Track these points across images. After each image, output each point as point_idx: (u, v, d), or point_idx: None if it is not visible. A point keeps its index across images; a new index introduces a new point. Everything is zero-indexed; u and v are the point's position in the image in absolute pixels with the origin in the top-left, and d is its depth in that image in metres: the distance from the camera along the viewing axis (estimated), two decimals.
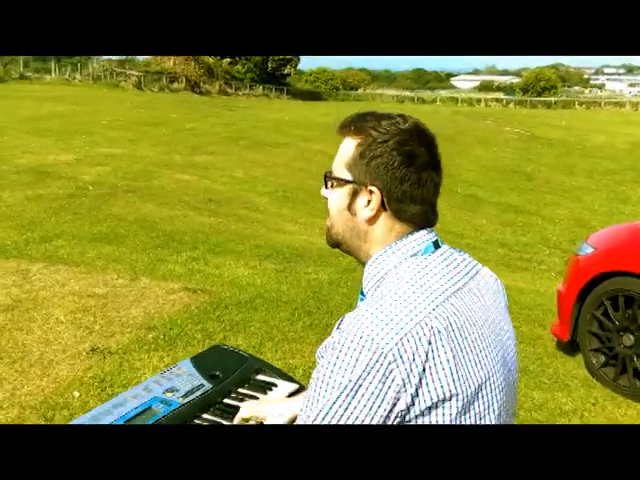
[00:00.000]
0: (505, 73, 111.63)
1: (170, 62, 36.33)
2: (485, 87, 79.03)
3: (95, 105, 19.56)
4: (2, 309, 3.70)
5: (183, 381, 1.64)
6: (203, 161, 10.70)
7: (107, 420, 1.44)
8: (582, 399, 3.03)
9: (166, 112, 19.51)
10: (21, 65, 28.75)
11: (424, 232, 1.09)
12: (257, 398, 1.60)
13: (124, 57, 35.35)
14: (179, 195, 7.92)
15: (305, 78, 54.07)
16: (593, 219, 11.92)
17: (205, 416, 1.54)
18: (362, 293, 1.16)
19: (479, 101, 50.22)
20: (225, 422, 1.52)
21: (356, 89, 55.48)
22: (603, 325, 3.21)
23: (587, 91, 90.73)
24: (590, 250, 3.40)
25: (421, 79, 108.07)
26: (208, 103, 27.86)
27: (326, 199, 1.16)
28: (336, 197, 1.14)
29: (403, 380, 0.93)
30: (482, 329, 1.04)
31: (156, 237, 5.64)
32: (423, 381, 0.94)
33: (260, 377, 1.74)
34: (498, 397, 1.05)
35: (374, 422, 0.93)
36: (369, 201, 1.08)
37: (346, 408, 0.93)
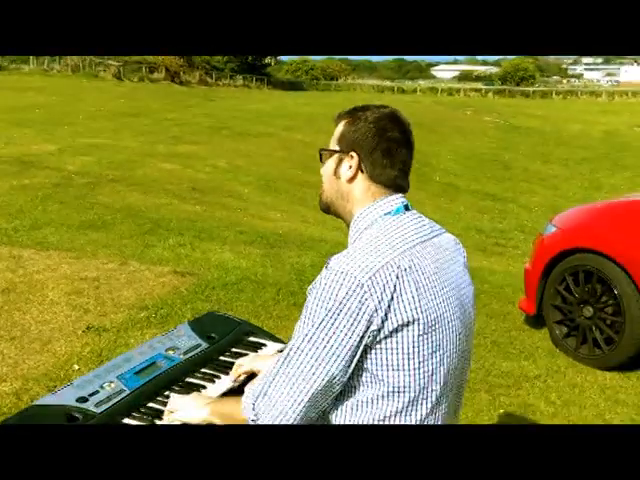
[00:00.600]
0: (484, 63, 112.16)
1: None
2: (465, 77, 79.41)
3: (75, 95, 19.46)
4: (0, 290, 3.86)
5: (183, 341, 1.85)
6: (186, 151, 10.81)
7: (119, 372, 1.64)
8: (546, 367, 3.29)
9: (147, 102, 19.51)
10: None
11: (396, 196, 1.33)
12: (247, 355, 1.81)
13: None
14: (163, 184, 8.05)
15: (286, 68, 54.01)
16: (568, 206, 12.27)
17: (204, 370, 1.75)
18: None
19: (458, 91, 50.60)
20: (222, 375, 1.73)
21: (336, 79, 55.50)
22: (565, 299, 3.47)
23: (565, 81, 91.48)
24: (553, 229, 3.66)
25: (402, 69, 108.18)
26: (188, 93, 27.83)
27: (322, 167, 1.40)
28: (326, 166, 1.40)
29: (375, 306, 1.17)
30: (441, 274, 1.27)
31: (143, 224, 5.79)
32: (391, 307, 1.17)
33: (251, 338, 1.95)
34: (455, 333, 1.28)
35: (352, 340, 1.16)
36: (350, 166, 1.34)
37: (329, 328, 1.17)
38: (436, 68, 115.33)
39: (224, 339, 1.90)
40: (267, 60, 46.59)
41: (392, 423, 1.27)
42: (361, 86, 52.49)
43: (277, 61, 50.49)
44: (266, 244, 5.50)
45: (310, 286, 1.24)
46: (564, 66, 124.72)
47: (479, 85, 55.21)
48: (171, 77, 34.41)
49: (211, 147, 11.51)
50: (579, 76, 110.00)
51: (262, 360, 1.69)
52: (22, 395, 2.76)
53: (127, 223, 5.78)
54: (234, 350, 1.86)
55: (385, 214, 1.31)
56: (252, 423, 1.29)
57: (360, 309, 1.17)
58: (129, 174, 8.43)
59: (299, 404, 1.23)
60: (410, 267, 1.22)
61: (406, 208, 1.33)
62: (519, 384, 3.08)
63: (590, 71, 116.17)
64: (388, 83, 59.11)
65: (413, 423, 1.27)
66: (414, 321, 1.20)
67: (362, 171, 1.33)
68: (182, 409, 1.47)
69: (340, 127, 1.39)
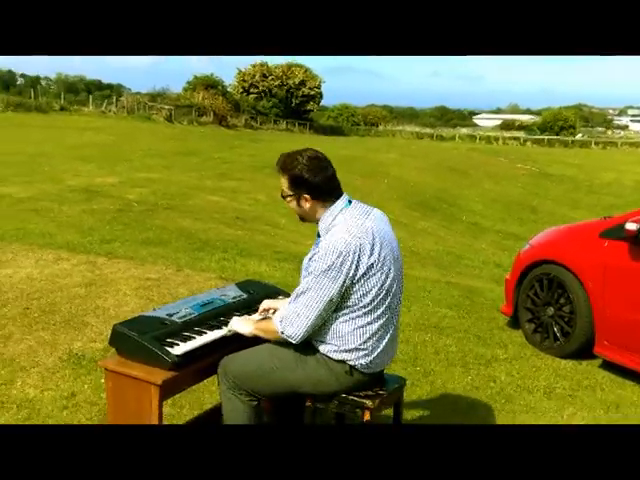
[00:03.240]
0: (527, 112, 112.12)
1: (199, 97, 38.24)
2: (507, 125, 79.63)
3: (130, 135, 21.12)
4: (83, 285, 4.86)
5: (231, 292, 2.77)
6: (231, 186, 11.94)
7: (190, 304, 2.56)
8: (515, 354, 4.07)
9: (196, 143, 21.01)
10: (62, 98, 30.76)
11: (341, 199, 2.25)
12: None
13: (156, 92, 37.35)
14: (210, 213, 9.11)
15: (328, 114, 55.90)
16: None
17: (240, 314, 2.63)
18: (318, 236, 2.30)
19: (497, 139, 51.34)
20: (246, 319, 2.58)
21: (377, 125, 57.07)
22: (534, 301, 4.25)
23: (610, 132, 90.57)
24: (527, 246, 4.50)
25: (443, 117, 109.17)
26: (234, 136, 29.45)
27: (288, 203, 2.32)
28: (292, 204, 2.31)
29: (351, 262, 2.10)
30: (381, 233, 2.19)
31: (193, 243, 6.81)
32: (359, 261, 2.10)
33: (278, 295, 2.85)
34: (393, 267, 2.19)
35: (340, 280, 2.11)
36: (306, 201, 2.24)
37: (328, 273, 2.11)
38: (478, 116, 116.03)
39: (259, 294, 2.80)
40: (310, 106, 48.53)
41: (360, 324, 2.17)
42: (401, 132, 53.87)
43: (319, 107, 52.43)
44: (298, 261, 6.39)
45: (305, 262, 2.21)
46: (609, 117, 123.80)
47: (517, 134, 55.85)
48: (219, 120, 36.32)
49: (253, 183, 12.62)
50: (624, 127, 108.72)
51: (279, 302, 2.59)
52: (108, 350, 3.70)
53: (180, 241, 6.81)
54: (265, 300, 2.77)
55: (341, 210, 2.23)
56: (280, 334, 2.19)
57: (343, 263, 2.11)
58: (181, 203, 9.54)
59: (309, 321, 2.15)
60: (366, 235, 2.15)
61: (349, 202, 2.26)
62: (489, 364, 3.87)
63: (636, 122, 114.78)
64: (428, 130, 60.13)
65: (372, 319, 2.17)
66: (372, 265, 2.13)
67: (316, 200, 2.25)
68: (237, 325, 2.38)
69: (284, 179, 2.26)
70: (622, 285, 3.69)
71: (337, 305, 2.17)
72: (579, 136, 56.50)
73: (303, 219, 2.35)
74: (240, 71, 47.91)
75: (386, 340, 2.26)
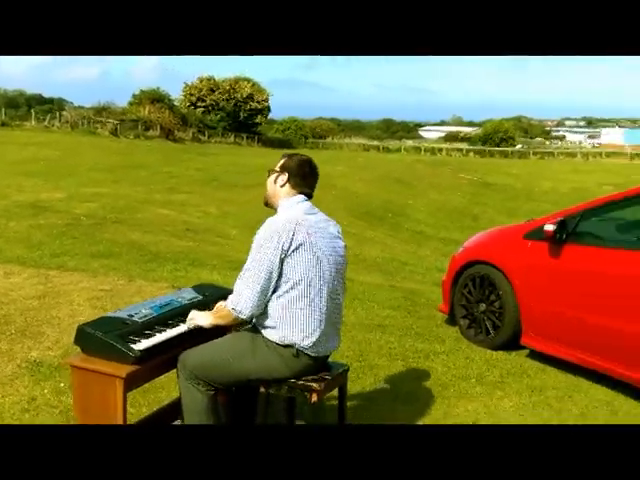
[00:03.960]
0: (470, 124, 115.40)
1: (145, 111, 37.92)
2: (451, 137, 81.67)
3: (75, 150, 20.80)
4: (36, 297, 4.94)
5: (187, 294, 2.98)
6: (180, 199, 12.04)
7: (150, 305, 2.76)
8: (451, 347, 4.41)
9: (143, 157, 20.89)
10: (3, 113, 29.98)
11: (302, 195, 2.54)
12: None
13: (101, 106, 36.82)
14: (160, 226, 9.21)
15: (276, 127, 56.27)
16: None
17: (197, 310, 2.86)
18: None
19: (441, 150, 52.85)
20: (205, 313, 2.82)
21: (325, 138, 57.82)
22: (468, 299, 4.62)
23: (548, 142, 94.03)
24: (461, 249, 4.88)
25: (390, 129, 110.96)
26: (182, 150, 29.36)
27: (268, 178, 2.60)
28: (271, 177, 2.60)
29: (285, 239, 2.38)
30: (319, 226, 2.48)
31: (144, 255, 6.93)
32: (293, 237, 2.38)
33: None
34: (329, 263, 2.47)
35: (276, 255, 2.36)
36: (282, 178, 2.54)
37: (266, 250, 2.38)
38: (423, 129, 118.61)
39: (213, 296, 3.02)
40: (258, 119, 48.77)
41: (297, 303, 2.43)
42: (348, 145, 54.74)
43: (267, 120, 52.73)
44: None
45: (257, 231, 2.45)
46: (547, 128, 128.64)
47: (461, 145, 57.62)
48: (166, 134, 36.10)
49: (203, 196, 12.75)
50: (562, 138, 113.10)
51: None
52: (64, 358, 3.83)
53: (131, 254, 6.92)
54: (220, 302, 2.99)
55: (297, 202, 2.52)
56: (233, 313, 2.44)
57: (280, 237, 2.41)
58: (130, 217, 9.60)
59: (255, 293, 2.40)
60: (303, 223, 2.44)
61: (306, 200, 2.55)
62: (428, 357, 4.19)
63: (573, 133, 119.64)
64: (375, 142, 61.24)
65: (308, 301, 2.44)
66: (303, 243, 2.42)
67: (288, 182, 2.54)
68: (197, 318, 2.61)
69: (282, 159, 2.63)
70: (544, 281, 4.09)
71: (276, 283, 2.43)
72: (518, 147, 58.71)
73: (266, 202, 2.66)
74: (187, 85, 47.75)
75: (327, 326, 2.52)
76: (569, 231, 3.91)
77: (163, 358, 2.56)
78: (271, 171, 2.64)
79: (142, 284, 5.60)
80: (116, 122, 32.89)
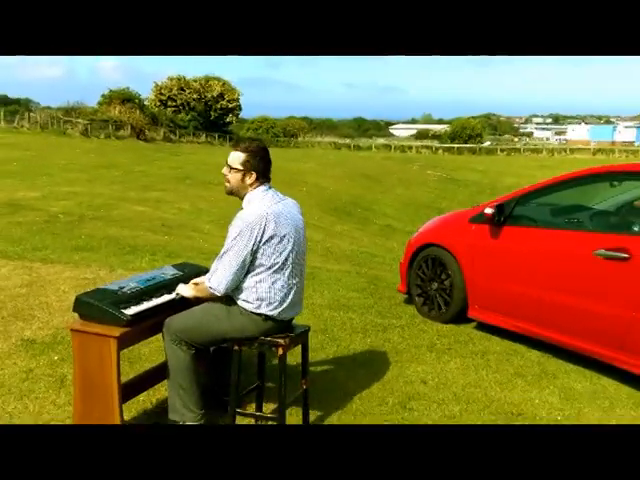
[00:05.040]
0: (440, 122, 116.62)
1: (116, 111, 37.83)
2: (421, 135, 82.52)
3: (47, 150, 20.88)
4: (23, 285, 5.30)
5: (168, 271, 3.40)
6: (154, 196, 12.35)
7: (136, 279, 3.18)
8: (407, 322, 4.90)
9: (115, 157, 21.04)
10: None
11: (265, 184, 2.97)
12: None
13: (70, 106, 36.61)
14: (137, 222, 9.55)
15: (247, 126, 56.45)
16: None
17: (180, 284, 3.29)
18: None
19: (410, 148, 53.70)
20: (184, 284, 3.25)
21: (296, 136, 58.20)
22: (422, 278, 5.12)
23: (516, 139, 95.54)
24: (416, 234, 5.40)
25: (361, 127, 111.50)
26: (154, 149, 29.49)
27: (226, 175, 3.00)
28: (236, 175, 2.99)
29: (257, 231, 2.81)
30: (287, 215, 2.92)
31: (123, 248, 7.29)
32: (264, 231, 2.80)
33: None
34: (293, 245, 2.92)
35: (250, 243, 2.80)
36: (249, 177, 2.94)
37: (242, 238, 2.80)
38: (394, 127, 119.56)
39: (192, 272, 3.45)
40: (229, 118, 48.94)
41: (268, 280, 2.87)
42: (319, 143, 55.25)
43: (239, 119, 52.91)
44: None
45: (232, 222, 2.87)
46: (516, 125, 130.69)
47: (430, 143, 58.58)
48: (136, 134, 36.05)
49: (177, 194, 13.08)
50: (530, 134, 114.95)
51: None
52: (56, 336, 4.21)
53: (110, 247, 7.27)
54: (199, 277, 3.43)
55: (263, 192, 2.95)
56: (210, 290, 2.87)
57: (252, 233, 2.81)
58: (106, 214, 9.91)
59: (229, 275, 2.83)
60: (272, 213, 2.86)
61: (269, 188, 2.98)
62: (386, 329, 4.68)
63: (541, 130, 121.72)
64: (347, 141, 61.77)
65: (277, 278, 2.88)
66: (274, 236, 2.84)
67: (255, 180, 2.96)
68: (183, 290, 3.04)
69: (242, 156, 2.95)
70: (486, 260, 4.60)
71: (250, 267, 2.87)
72: (487, 144, 59.94)
73: (231, 193, 3.01)
74: (157, 85, 47.68)
75: (292, 296, 2.98)
76: (506, 214, 4.43)
77: (150, 323, 2.98)
78: (233, 169, 2.96)
79: (123, 273, 5.97)
80: (86, 122, 32.79)
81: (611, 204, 4.50)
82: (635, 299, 3.63)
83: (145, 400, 3.42)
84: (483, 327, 4.77)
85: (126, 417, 3.04)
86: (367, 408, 3.39)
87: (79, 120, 33.16)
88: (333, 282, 6.27)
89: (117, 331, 2.79)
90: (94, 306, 2.85)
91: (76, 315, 2.97)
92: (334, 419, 3.26)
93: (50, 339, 4.17)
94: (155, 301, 3.03)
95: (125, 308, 2.87)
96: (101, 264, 6.32)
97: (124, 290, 3.02)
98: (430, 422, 3.27)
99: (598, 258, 3.79)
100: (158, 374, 3.34)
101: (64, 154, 19.98)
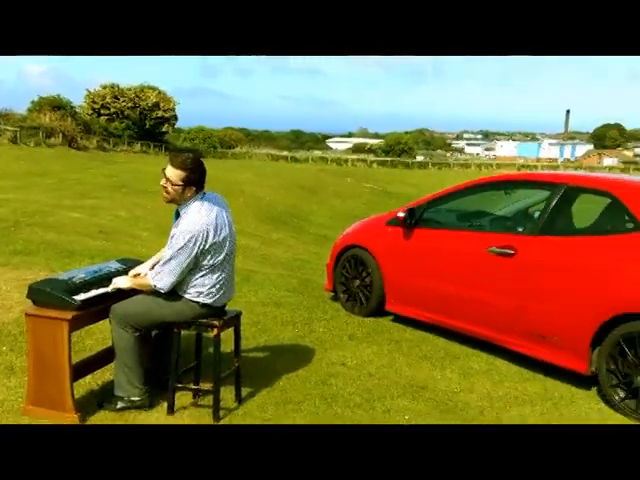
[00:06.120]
0: (376, 136, 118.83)
1: (46, 118, 36.93)
2: (357, 149, 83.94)
3: None
4: None
5: (113, 265, 3.78)
6: (90, 204, 12.42)
7: (84, 271, 3.54)
8: (332, 315, 5.41)
9: (48, 165, 20.71)
10: None
11: (201, 192, 3.39)
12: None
13: None
14: (73, 228, 9.67)
15: (184, 136, 56.10)
16: None
17: (118, 276, 3.64)
18: (177, 215, 3.42)
19: (346, 161, 54.86)
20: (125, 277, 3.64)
21: (233, 147, 58.27)
22: (346, 277, 5.66)
23: (449, 154, 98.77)
24: (342, 235, 5.95)
25: (299, 139, 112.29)
26: (87, 157, 29.04)
27: (165, 187, 3.37)
28: (176, 188, 3.35)
29: (200, 241, 3.25)
30: (223, 219, 3.37)
31: (61, 252, 7.47)
32: (206, 240, 3.25)
33: None
34: (229, 243, 3.38)
35: (194, 251, 3.24)
36: (189, 191, 3.34)
37: (186, 247, 3.24)
38: (331, 140, 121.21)
39: (132, 266, 3.82)
40: (164, 128, 48.56)
41: (208, 275, 3.31)
42: (257, 154, 55.55)
43: (175, 129, 52.55)
44: None
45: (172, 232, 3.28)
46: (448, 141, 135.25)
47: (364, 156, 60.01)
48: (68, 142, 35.30)
49: (112, 201, 13.18)
50: (461, 150, 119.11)
51: (142, 267, 3.62)
52: (3, 330, 4.47)
53: (49, 251, 7.45)
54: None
55: (201, 199, 3.36)
56: (154, 287, 3.27)
57: (196, 241, 3.22)
58: (42, 220, 9.97)
59: (174, 276, 3.25)
60: (211, 223, 3.29)
61: (204, 194, 3.41)
62: (312, 322, 5.17)
63: (471, 146, 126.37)
64: (285, 152, 62.27)
65: (215, 272, 3.32)
66: (215, 243, 3.28)
67: (194, 191, 3.37)
68: (119, 282, 3.42)
69: (181, 173, 3.30)
70: (399, 259, 5.18)
71: (192, 266, 3.30)
72: (419, 158, 62.01)
73: (171, 201, 3.38)
74: (89, 92, 46.78)
75: (226, 287, 3.43)
76: (417, 217, 5.03)
77: (98, 308, 3.35)
78: (174, 185, 3.26)
79: None
80: (15, 129, 31.90)
81: (511, 210, 5.18)
82: (519, 289, 4.28)
83: (91, 382, 3.76)
84: (399, 319, 5.35)
85: (75, 396, 3.38)
86: (292, 385, 3.87)
87: (7, 127, 32.22)
88: (267, 283, 6.71)
89: (69, 314, 3.15)
90: (47, 293, 3.20)
91: (29, 302, 3.30)
92: (263, 393, 3.72)
93: None
94: (101, 290, 3.40)
95: (75, 295, 3.24)
96: (41, 267, 6.51)
97: (73, 280, 3.38)
98: (346, 395, 3.77)
99: (490, 254, 4.43)
100: (102, 359, 3.70)
101: None
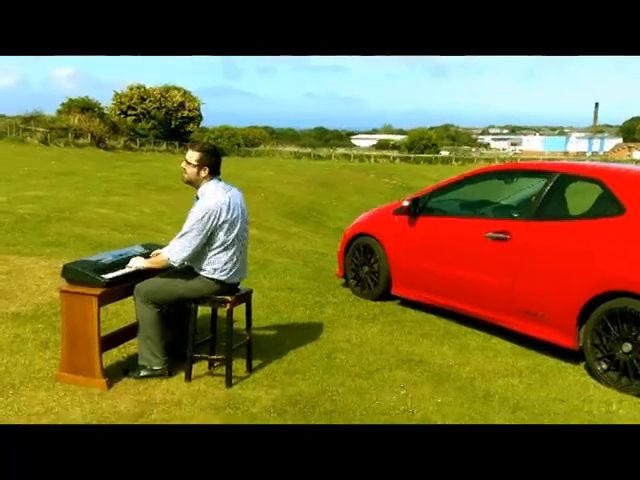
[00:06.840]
0: (400, 132, 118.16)
1: (75, 119, 37.92)
2: (381, 145, 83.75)
3: (7, 158, 21.13)
4: (3, 273, 5.95)
5: (137, 248, 4.17)
6: (116, 200, 12.95)
7: (111, 254, 3.95)
8: (342, 300, 5.75)
9: (76, 164, 21.44)
10: None
11: (217, 177, 3.79)
12: None
13: (29, 114, 36.56)
14: (101, 223, 10.18)
15: (208, 135, 56.89)
16: None
17: (145, 257, 4.04)
18: (197, 198, 3.80)
19: (369, 157, 55.02)
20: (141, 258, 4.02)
21: (257, 146, 58.88)
22: (355, 263, 6.00)
23: (474, 150, 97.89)
24: (352, 224, 6.30)
25: (322, 137, 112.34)
26: (114, 157, 29.87)
27: (184, 168, 3.80)
28: (193, 169, 3.79)
29: (214, 218, 3.64)
30: (236, 202, 3.75)
31: (90, 244, 7.95)
32: (219, 217, 3.64)
33: None
34: (240, 221, 3.75)
35: (209, 226, 3.64)
36: (204, 171, 3.75)
37: (201, 222, 3.63)
38: (355, 137, 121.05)
39: (155, 249, 4.22)
40: (190, 127, 49.38)
41: (221, 253, 3.68)
42: (280, 152, 56.07)
43: (200, 128, 53.36)
44: None
45: (192, 209, 3.67)
46: (473, 136, 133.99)
47: (387, 152, 60.09)
48: (96, 142, 36.22)
49: (138, 198, 13.70)
50: (487, 145, 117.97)
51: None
52: (37, 311, 4.90)
53: (78, 243, 7.93)
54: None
55: (215, 184, 3.75)
56: (168, 261, 3.66)
57: (210, 217, 3.62)
58: (71, 216, 10.49)
59: (187, 251, 3.63)
60: (224, 202, 3.68)
61: (219, 180, 3.79)
62: (323, 305, 5.52)
63: (497, 141, 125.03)
64: (308, 150, 62.61)
65: (229, 254, 3.69)
66: (226, 220, 3.66)
67: (208, 174, 3.77)
68: (135, 262, 3.81)
69: (197, 154, 3.75)
70: (405, 245, 5.50)
71: (207, 243, 3.67)
72: (445, 153, 61.89)
73: (189, 182, 3.79)
74: (117, 93, 47.84)
75: (238, 266, 3.80)
76: (421, 206, 5.34)
77: (123, 286, 3.75)
78: (190, 164, 3.72)
79: None
80: (46, 130, 32.88)
81: (507, 198, 5.46)
82: (514, 271, 4.57)
83: (117, 354, 4.16)
84: (404, 302, 5.67)
85: (103, 366, 3.77)
86: (299, 358, 4.22)
87: (38, 128, 33.22)
88: (282, 271, 7.08)
89: (98, 291, 3.55)
90: (79, 272, 3.60)
91: (63, 284, 3.71)
92: (272, 365, 4.08)
93: (32, 313, 4.86)
94: (126, 270, 3.80)
95: (103, 274, 3.63)
96: (72, 257, 6.96)
97: (102, 261, 3.78)
98: (348, 367, 4.12)
99: (487, 239, 4.72)
100: (127, 333, 4.10)
101: (25, 161, 20.30)
